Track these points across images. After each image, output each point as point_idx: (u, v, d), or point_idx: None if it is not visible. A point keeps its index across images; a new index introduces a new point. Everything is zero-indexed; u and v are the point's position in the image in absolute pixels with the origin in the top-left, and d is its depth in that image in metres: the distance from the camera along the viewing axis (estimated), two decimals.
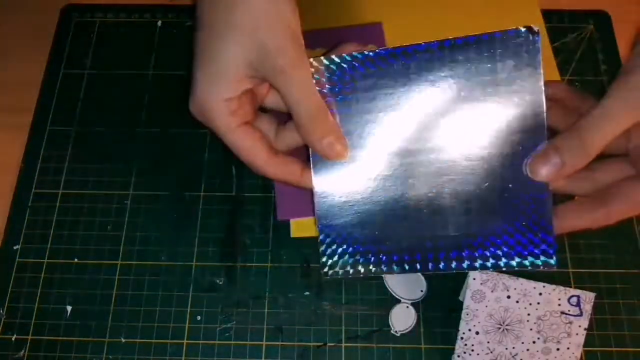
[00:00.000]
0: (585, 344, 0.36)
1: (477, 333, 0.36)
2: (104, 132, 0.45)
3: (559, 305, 0.35)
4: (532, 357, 0.35)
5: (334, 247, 0.35)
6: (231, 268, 0.41)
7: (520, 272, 0.36)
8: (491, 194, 0.32)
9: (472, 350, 0.36)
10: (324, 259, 0.35)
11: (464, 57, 0.32)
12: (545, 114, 0.31)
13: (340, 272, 0.35)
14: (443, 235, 0.33)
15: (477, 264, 0.33)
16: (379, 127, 0.34)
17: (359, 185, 0.35)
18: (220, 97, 0.32)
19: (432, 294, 0.40)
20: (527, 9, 0.47)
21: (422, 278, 0.40)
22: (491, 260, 0.33)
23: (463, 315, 0.36)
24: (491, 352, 0.36)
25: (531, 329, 0.35)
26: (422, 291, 0.40)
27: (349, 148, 0.35)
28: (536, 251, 0.32)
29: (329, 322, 0.39)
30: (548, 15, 0.48)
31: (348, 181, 0.35)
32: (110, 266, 0.41)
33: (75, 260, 0.41)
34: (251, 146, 0.33)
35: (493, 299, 0.36)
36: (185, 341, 0.39)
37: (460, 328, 0.36)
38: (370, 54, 0.34)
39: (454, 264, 0.33)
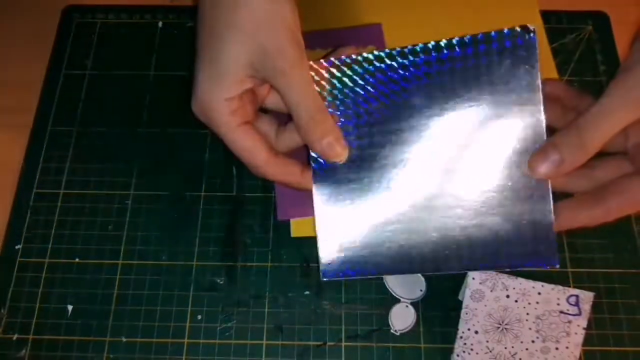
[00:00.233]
0: (584, 344, 0.36)
1: (476, 332, 0.36)
2: (105, 133, 0.46)
3: (558, 304, 0.36)
4: (531, 357, 0.36)
5: (332, 250, 0.35)
6: (232, 268, 0.41)
7: (520, 272, 0.37)
8: (490, 194, 0.32)
9: (472, 350, 0.36)
10: (323, 262, 0.35)
11: (461, 58, 0.32)
12: (543, 112, 0.31)
13: (340, 274, 0.35)
14: (445, 238, 0.33)
15: (479, 265, 0.33)
16: (378, 129, 0.35)
17: (357, 187, 0.35)
18: (221, 96, 0.32)
19: (431, 294, 0.40)
20: (526, 10, 0.48)
21: (422, 278, 0.40)
22: (493, 263, 0.33)
23: (462, 314, 0.36)
24: (490, 352, 0.36)
25: (530, 329, 0.36)
26: (421, 290, 0.40)
27: (347, 149, 0.35)
28: (537, 250, 0.32)
29: (329, 321, 0.39)
30: (547, 16, 0.48)
31: (346, 184, 0.35)
32: (112, 266, 0.41)
33: (77, 259, 0.41)
34: (251, 146, 0.33)
35: (492, 298, 0.36)
36: (185, 340, 0.39)
37: (459, 327, 0.36)
38: (369, 55, 0.34)
39: (454, 268, 0.33)
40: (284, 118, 0.36)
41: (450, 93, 0.33)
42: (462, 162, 0.33)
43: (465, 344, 0.36)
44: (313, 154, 0.35)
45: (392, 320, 0.39)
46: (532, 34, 0.31)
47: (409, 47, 0.33)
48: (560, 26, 0.48)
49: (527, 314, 0.36)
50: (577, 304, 0.36)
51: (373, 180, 0.35)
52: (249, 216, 0.43)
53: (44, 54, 0.48)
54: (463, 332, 0.36)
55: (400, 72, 0.34)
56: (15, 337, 0.39)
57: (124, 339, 0.39)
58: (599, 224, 0.31)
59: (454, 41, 0.32)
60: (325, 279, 0.35)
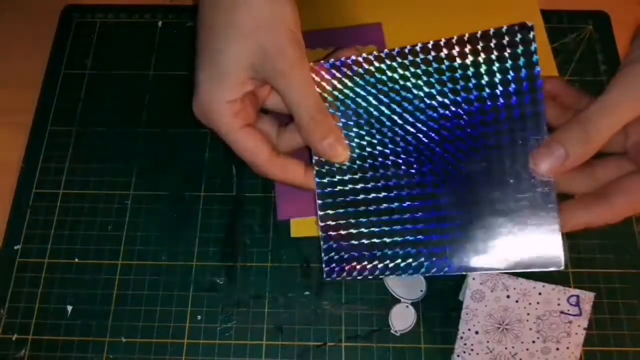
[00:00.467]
0: (585, 344, 0.36)
1: (476, 333, 0.36)
2: (105, 132, 0.45)
3: (559, 305, 0.35)
4: (531, 357, 0.36)
5: (335, 250, 0.35)
6: (231, 268, 0.41)
7: (520, 272, 0.36)
8: (494, 194, 0.32)
9: (472, 350, 0.36)
10: (325, 262, 0.35)
11: (460, 56, 0.32)
12: (544, 109, 0.31)
13: (344, 274, 0.35)
14: (448, 240, 0.33)
15: (484, 270, 0.32)
16: (378, 129, 0.35)
17: (359, 187, 0.35)
18: (222, 98, 0.32)
19: (431, 294, 0.40)
20: (526, 9, 0.47)
21: (422, 278, 0.40)
22: (498, 265, 0.32)
23: (463, 314, 0.36)
24: (491, 352, 0.36)
25: (531, 329, 0.36)
26: (421, 291, 0.40)
27: (348, 149, 0.35)
28: (543, 250, 0.31)
29: (329, 321, 0.39)
30: (547, 15, 0.48)
31: (348, 184, 0.35)
32: (111, 266, 0.41)
33: (76, 260, 0.41)
34: (254, 147, 0.33)
35: (492, 298, 0.36)
36: (185, 341, 0.39)
37: (459, 328, 0.36)
38: (369, 56, 0.34)
39: (459, 269, 0.33)
40: (285, 119, 0.36)
41: (449, 90, 0.33)
42: (464, 160, 0.33)
43: (465, 344, 0.36)
44: (315, 155, 0.35)
45: (392, 320, 0.39)
46: (530, 31, 0.31)
47: (409, 47, 0.33)
48: (560, 26, 0.48)
49: (528, 314, 0.36)
50: (577, 304, 0.36)
51: (375, 179, 0.35)
52: (249, 216, 0.42)
53: (43, 53, 0.48)
54: (463, 333, 0.36)
55: (400, 71, 0.34)
56: (14, 337, 0.39)
57: (123, 340, 0.39)
58: (603, 225, 0.31)
59: (454, 40, 0.32)
60: (328, 279, 0.35)
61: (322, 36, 0.45)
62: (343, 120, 0.35)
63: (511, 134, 0.31)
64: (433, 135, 0.33)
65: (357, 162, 0.35)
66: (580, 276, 0.40)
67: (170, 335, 0.39)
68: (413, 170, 0.34)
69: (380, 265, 0.34)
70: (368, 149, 0.35)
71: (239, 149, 0.34)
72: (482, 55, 0.32)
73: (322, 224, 0.36)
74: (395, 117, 0.34)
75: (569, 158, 0.29)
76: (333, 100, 0.35)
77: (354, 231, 0.35)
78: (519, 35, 0.31)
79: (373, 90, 0.34)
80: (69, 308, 0.40)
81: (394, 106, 0.34)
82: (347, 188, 0.35)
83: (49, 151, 0.45)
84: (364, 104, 0.35)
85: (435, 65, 0.33)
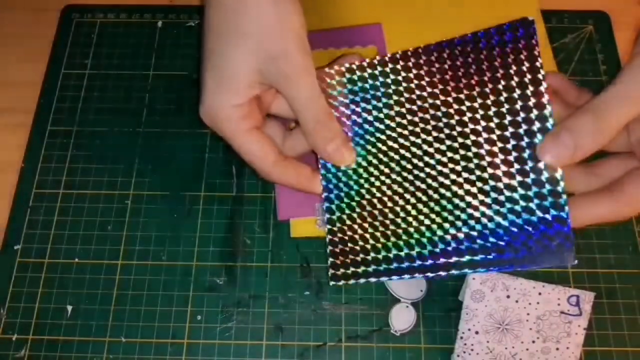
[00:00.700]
0: (585, 344, 0.36)
1: (476, 333, 0.36)
2: (105, 132, 0.45)
3: (559, 305, 0.35)
4: (531, 357, 0.36)
5: (341, 255, 0.35)
6: (231, 268, 0.41)
7: (520, 272, 0.36)
8: (500, 190, 0.31)
9: (472, 350, 0.36)
10: (332, 267, 0.35)
11: (462, 57, 0.32)
12: (547, 99, 0.30)
13: (349, 279, 0.35)
14: (455, 240, 0.32)
15: (494, 269, 0.31)
16: (383, 133, 0.35)
17: (365, 190, 0.35)
18: (230, 103, 0.32)
19: (431, 294, 0.40)
20: (526, 9, 0.47)
21: (422, 278, 0.40)
22: (510, 266, 0.31)
23: (463, 314, 0.36)
24: (491, 352, 0.36)
25: (531, 329, 0.36)
26: (422, 291, 0.40)
27: (354, 153, 0.35)
28: (553, 247, 0.30)
29: (329, 321, 0.39)
30: (548, 15, 0.48)
31: (354, 188, 0.35)
32: (111, 266, 0.41)
33: (76, 260, 0.41)
34: (260, 151, 0.34)
35: (493, 298, 0.36)
36: (185, 341, 0.39)
37: (460, 328, 0.36)
38: (373, 61, 0.34)
39: (467, 269, 0.32)
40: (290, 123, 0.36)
41: (453, 89, 0.32)
42: (469, 159, 0.32)
43: (465, 344, 0.36)
44: (321, 160, 0.35)
45: (392, 320, 0.39)
46: (532, 26, 0.30)
47: (411, 49, 0.33)
48: (560, 26, 0.48)
49: (528, 314, 0.36)
50: (577, 304, 0.35)
51: (380, 182, 0.35)
52: (248, 216, 0.42)
53: (43, 53, 0.48)
54: (463, 333, 0.36)
55: (403, 74, 0.34)
56: (14, 337, 0.39)
57: (123, 340, 0.39)
58: (614, 220, 0.30)
59: (455, 40, 0.32)
60: (332, 284, 0.35)
61: (322, 36, 0.45)
62: (349, 124, 0.35)
63: (515, 127, 0.31)
64: (437, 134, 0.33)
65: (363, 165, 0.35)
66: (580, 276, 0.40)
67: (170, 335, 0.39)
68: (418, 171, 0.34)
69: (385, 269, 0.34)
70: (373, 152, 0.35)
71: (246, 152, 0.34)
72: (484, 51, 0.32)
73: (328, 227, 0.36)
74: (399, 119, 0.34)
75: (577, 149, 0.28)
76: (338, 105, 0.35)
77: (359, 235, 0.35)
78: (520, 31, 0.31)
79: (377, 93, 0.35)
80: (69, 308, 0.40)
81: (398, 107, 0.34)
82: (353, 192, 0.35)
83: (49, 151, 0.45)
84: (368, 107, 0.35)
85: (437, 65, 0.33)
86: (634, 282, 0.40)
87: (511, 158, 0.31)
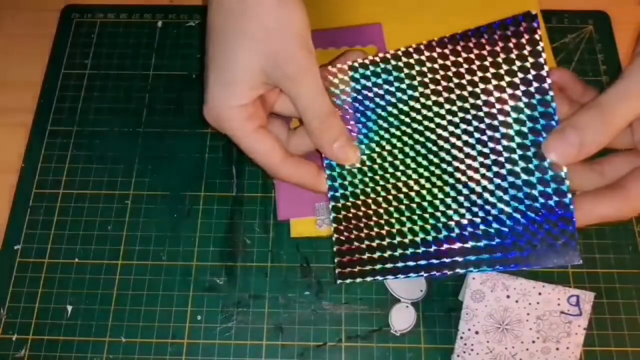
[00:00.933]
0: (585, 344, 0.36)
1: (476, 333, 0.36)
2: (105, 132, 0.45)
3: (559, 305, 0.35)
4: (531, 357, 0.36)
5: (348, 253, 0.35)
6: (231, 268, 0.41)
7: (520, 272, 0.36)
8: (505, 189, 0.31)
9: (472, 350, 0.36)
10: (339, 265, 0.35)
11: (464, 50, 0.32)
12: (552, 96, 0.29)
13: (356, 277, 0.35)
14: (460, 239, 0.32)
15: (499, 268, 0.31)
16: (387, 130, 0.35)
17: (370, 189, 0.35)
18: (235, 103, 0.32)
19: (431, 294, 0.40)
20: (527, 9, 0.47)
21: (422, 278, 0.40)
22: (514, 265, 0.31)
23: (463, 314, 0.36)
24: (491, 352, 0.36)
25: (531, 329, 0.36)
26: (422, 291, 0.40)
27: (359, 151, 0.35)
28: (558, 246, 0.29)
29: (329, 321, 0.39)
30: (548, 15, 0.48)
31: (360, 186, 0.35)
32: (111, 266, 0.41)
33: (76, 260, 0.41)
34: (268, 149, 0.34)
35: (492, 298, 0.36)
36: (185, 341, 0.39)
37: (459, 328, 0.36)
38: (375, 58, 0.34)
39: (471, 268, 0.32)
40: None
41: (455, 85, 0.32)
42: (473, 156, 0.32)
43: (465, 344, 0.36)
44: (326, 159, 0.35)
45: (392, 320, 0.39)
46: (535, 21, 0.30)
47: (413, 45, 0.33)
48: (561, 26, 0.48)
49: (528, 314, 0.36)
50: (577, 304, 0.35)
51: (384, 180, 0.35)
52: (248, 216, 0.42)
53: (43, 53, 0.48)
54: (463, 333, 0.36)
55: (406, 70, 0.34)
56: (14, 337, 0.39)
57: (123, 339, 0.39)
58: (619, 219, 0.29)
59: (457, 36, 0.32)
60: (339, 281, 0.35)
61: (322, 36, 0.45)
62: (352, 122, 0.35)
63: (519, 124, 0.30)
64: (440, 131, 0.33)
65: (367, 163, 0.35)
66: (580, 276, 0.40)
67: (170, 335, 0.39)
68: (422, 169, 0.34)
69: (391, 267, 0.34)
70: (377, 150, 0.35)
71: (253, 151, 0.34)
72: (487, 46, 0.31)
73: (334, 225, 0.36)
74: (402, 116, 0.34)
75: (583, 145, 0.28)
76: (342, 103, 0.35)
77: (365, 233, 0.35)
78: (523, 25, 0.30)
79: (380, 91, 0.35)
80: (69, 308, 0.40)
81: (401, 105, 0.34)
82: (358, 190, 0.35)
83: (49, 151, 0.45)
84: (371, 105, 0.35)
85: (440, 61, 0.33)
86: (634, 282, 0.40)
87: (515, 156, 0.31)
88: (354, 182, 0.35)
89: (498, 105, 0.31)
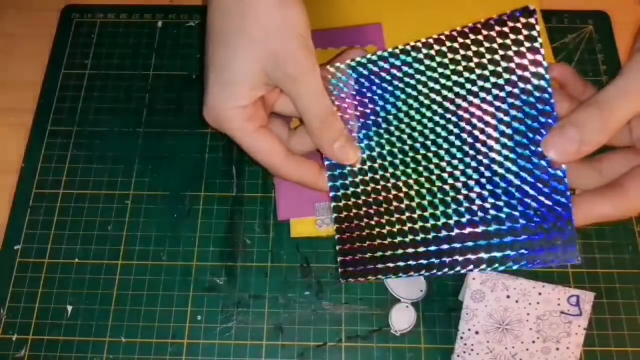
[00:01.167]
0: (585, 344, 0.36)
1: (476, 333, 0.36)
2: (105, 132, 0.45)
3: (559, 305, 0.35)
4: (531, 357, 0.36)
5: (350, 253, 0.35)
6: (231, 268, 0.41)
7: (520, 272, 0.36)
8: (504, 188, 0.31)
9: (472, 350, 0.36)
10: (341, 265, 0.35)
11: (463, 47, 0.32)
12: (551, 93, 0.29)
13: (358, 276, 0.35)
14: (460, 239, 0.32)
15: (498, 267, 0.31)
16: (386, 129, 0.35)
17: (371, 188, 0.35)
18: (236, 104, 0.32)
19: (431, 294, 0.40)
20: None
21: (422, 278, 0.40)
22: (513, 264, 0.31)
23: (463, 314, 0.36)
24: (491, 352, 0.36)
25: (531, 329, 0.36)
26: (422, 291, 0.40)
27: (359, 150, 0.35)
28: (557, 246, 0.29)
29: (329, 321, 0.39)
30: (548, 15, 0.48)
31: (361, 186, 0.35)
32: (111, 266, 0.41)
33: (76, 260, 0.41)
34: (270, 148, 0.34)
35: (492, 298, 0.36)
36: (185, 341, 0.39)
37: (460, 328, 0.36)
38: (374, 57, 0.34)
39: (471, 267, 0.32)
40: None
41: (454, 83, 0.32)
42: (472, 155, 0.32)
43: (465, 344, 0.36)
44: (327, 159, 0.35)
45: (392, 320, 0.39)
46: (533, 16, 0.29)
47: (411, 43, 0.33)
48: (561, 26, 0.48)
49: (528, 314, 0.36)
50: (577, 304, 0.35)
51: (385, 179, 0.35)
52: (248, 216, 0.42)
53: (43, 53, 0.48)
54: (463, 333, 0.36)
55: (404, 69, 0.34)
56: (14, 337, 0.39)
57: (123, 339, 0.39)
58: (617, 218, 0.29)
59: (455, 33, 0.32)
60: (343, 281, 0.35)
61: (322, 36, 0.45)
62: (352, 122, 0.35)
63: (518, 122, 0.30)
64: (439, 130, 0.33)
65: (368, 162, 0.35)
66: (580, 276, 0.40)
67: (170, 335, 0.39)
68: (421, 168, 0.34)
69: (392, 266, 0.34)
70: (377, 149, 0.35)
71: (254, 151, 0.34)
72: (485, 42, 0.31)
73: (336, 225, 0.36)
74: (401, 115, 0.34)
75: (582, 143, 0.27)
76: (341, 103, 0.35)
77: (367, 232, 0.35)
78: (522, 20, 0.30)
79: (379, 91, 0.35)
80: (69, 308, 0.40)
81: (399, 104, 0.34)
82: (359, 190, 0.35)
83: (49, 151, 0.45)
84: (371, 104, 0.35)
85: (438, 59, 0.33)
86: (634, 282, 0.40)
87: (514, 155, 0.31)
88: (354, 182, 0.36)
89: (497, 103, 0.31)
